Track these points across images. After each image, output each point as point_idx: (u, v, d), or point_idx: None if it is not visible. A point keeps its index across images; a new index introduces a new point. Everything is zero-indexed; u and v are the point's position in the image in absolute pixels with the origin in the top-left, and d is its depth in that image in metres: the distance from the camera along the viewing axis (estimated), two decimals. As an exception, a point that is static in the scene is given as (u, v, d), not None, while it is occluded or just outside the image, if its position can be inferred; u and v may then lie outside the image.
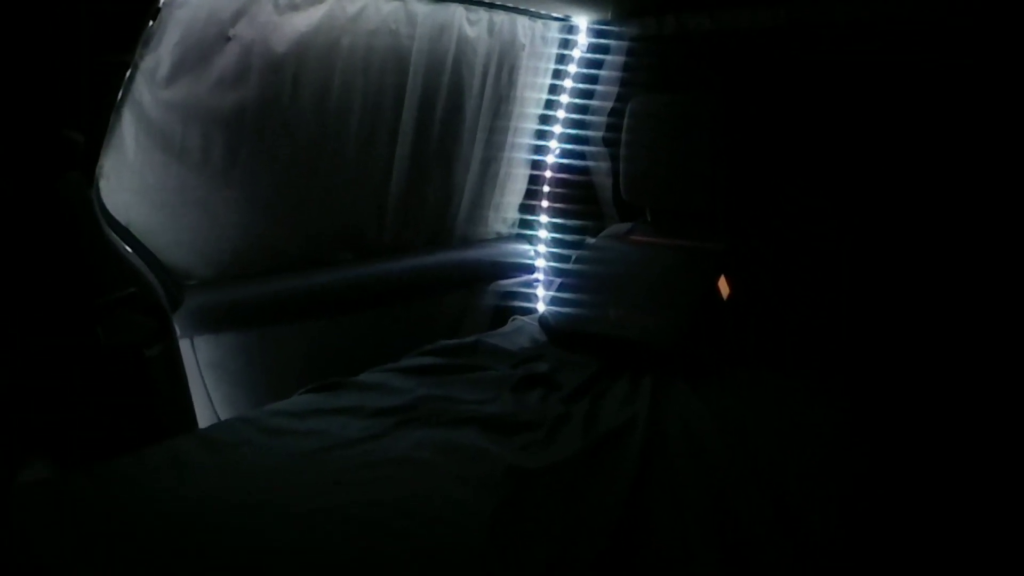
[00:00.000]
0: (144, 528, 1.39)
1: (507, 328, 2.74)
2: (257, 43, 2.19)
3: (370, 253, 2.73)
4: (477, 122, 2.90)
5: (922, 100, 2.22)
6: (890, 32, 2.22)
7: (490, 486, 1.55)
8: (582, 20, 2.99)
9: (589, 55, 3.08)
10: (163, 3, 1.89)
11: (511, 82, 2.94)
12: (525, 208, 3.26)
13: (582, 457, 1.69)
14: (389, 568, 1.31)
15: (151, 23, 1.88)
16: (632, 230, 2.78)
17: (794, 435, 1.80)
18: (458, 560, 1.33)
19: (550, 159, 3.22)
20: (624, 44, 2.99)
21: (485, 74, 2.84)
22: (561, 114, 3.16)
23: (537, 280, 3.26)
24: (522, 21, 2.86)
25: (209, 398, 2.32)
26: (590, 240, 2.80)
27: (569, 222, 3.20)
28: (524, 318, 2.82)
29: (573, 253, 2.82)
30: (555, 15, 2.93)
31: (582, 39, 3.05)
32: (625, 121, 2.77)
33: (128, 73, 1.91)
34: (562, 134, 3.19)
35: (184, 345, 2.19)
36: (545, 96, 3.13)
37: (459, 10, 2.64)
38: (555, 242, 3.24)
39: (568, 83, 3.13)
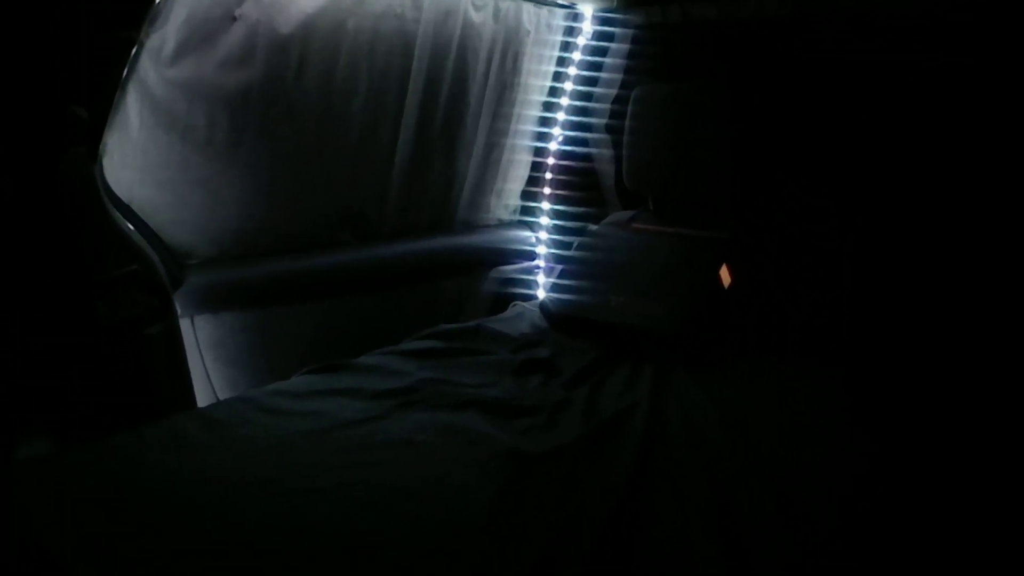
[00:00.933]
0: (142, 505, 1.40)
1: (508, 313, 2.74)
2: (263, 23, 2.18)
3: (372, 236, 2.73)
4: (481, 107, 2.89)
5: (926, 98, 2.22)
6: (894, 28, 2.22)
7: (490, 469, 1.55)
8: (587, 7, 2.97)
9: (594, 43, 3.07)
10: (169, -19, 1.89)
11: (515, 68, 2.94)
12: (527, 194, 3.26)
13: (583, 443, 1.69)
14: (389, 548, 1.31)
15: (157, 1, 1.87)
16: (634, 218, 2.78)
17: (796, 427, 1.80)
18: (458, 542, 1.34)
19: (553, 146, 3.22)
20: (629, 32, 2.99)
21: (490, 60, 2.83)
22: (565, 101, 3.16)
23: (538, 267, 3.26)
24: (527, 7, 2.85)
25: (208, 378, 2.31)
26: (592, 227, 2.80)
27: (571, 209, 3.20)
28: (525, 304, 2.82)
29: (575, 240, 2.82)
30: (560, 2, 2.91)
31: (587, 26, 3.04)
32: (629, 109, 2.77)
33: (133, 51, 1.90)
34: (565, 121, 3.18)
35: (184, 324, 2.19)
36: (549, 83, 3.12)
37: (465, -5, 2.63)
38: (557, 229, 3.24)
39: (572, 70, 3.12)
